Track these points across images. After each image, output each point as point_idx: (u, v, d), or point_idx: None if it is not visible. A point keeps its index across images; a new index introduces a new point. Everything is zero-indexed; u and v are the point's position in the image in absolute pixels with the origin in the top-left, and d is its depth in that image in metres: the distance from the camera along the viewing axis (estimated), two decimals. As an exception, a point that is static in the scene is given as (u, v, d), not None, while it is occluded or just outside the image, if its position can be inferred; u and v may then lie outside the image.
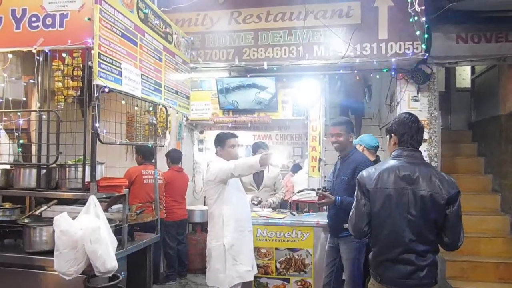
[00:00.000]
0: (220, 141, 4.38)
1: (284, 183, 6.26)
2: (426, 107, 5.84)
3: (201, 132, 7.49)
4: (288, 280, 4.62)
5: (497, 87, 6.52)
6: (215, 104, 6.52)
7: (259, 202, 5.32)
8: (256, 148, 5.70)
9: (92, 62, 3.20)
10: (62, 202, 3.64)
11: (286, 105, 6.41)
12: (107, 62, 3.36)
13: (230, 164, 4.00)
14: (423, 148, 5.75)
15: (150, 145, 4.57)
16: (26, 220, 3.46)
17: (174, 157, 6.12)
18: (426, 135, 5.75)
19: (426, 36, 5.27)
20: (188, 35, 5.60)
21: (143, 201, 5.30)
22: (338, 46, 5.53)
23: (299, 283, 4.60)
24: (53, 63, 3.47)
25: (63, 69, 3.44)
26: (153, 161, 5.07)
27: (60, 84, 3.44)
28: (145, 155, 5.74)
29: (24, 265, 3.29)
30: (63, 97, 3.44)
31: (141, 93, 3.97)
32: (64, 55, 3.45)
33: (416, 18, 5.17)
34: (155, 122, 4.65)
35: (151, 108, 4.59)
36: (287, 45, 5.69)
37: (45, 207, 3.61)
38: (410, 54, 5.35)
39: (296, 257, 4.59)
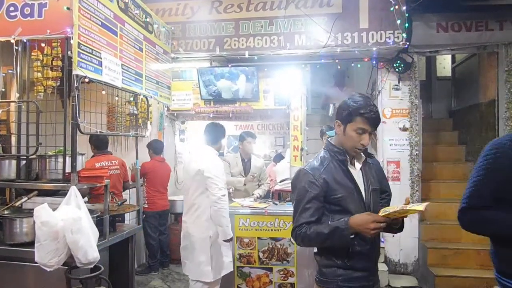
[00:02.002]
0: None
1: (267, 173, 6.29)
2: (407, 96, 5.91)
3: (183, 123, 7.45)
4: (271, 269, 4.64)
5: (477, 75, 6.62)
6: (197, 94, 6.48)
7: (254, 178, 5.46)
8: (243, 136, 5.68)
9: (71, 52, 3.18)
10: (42, 193, 3.61)
11: (268, 94, 6.40)
12: (87, 52, 3.33)
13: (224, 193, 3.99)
14: (404, 136, 5.84)
15: (131, 135, 4.55)
16: (6, 212, 3.41)
17: (155, 147, 6.08)
18: (407, 124, 5.83)
19: (406, 25, 5.32)
20: (168, 24, 5.56)
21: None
22: (319, 35, 5.55)
23: (281, 272, 4.62)
24: (32, 53, 3.43)
25: (42, 59, 3.41)
26: (108, 150, 5.15)
27: (39, 75, 3.41)
28: (97, 145, 5.18)
29: (4, 257, 3.26)
30: (42, 87, 3.42)
31: (121, 83, 3.94)
32: (43, 45, 3.41)
33: (396, 7, 5.23)
34: (136, 112, 4.63)
35: (132, 99, 4.57)
36: (268, 35, 5.69)
37: (26, 198, 3.57)
38: (391, 43, 5.40)
39: (279, 246, 4.61)
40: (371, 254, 2.36)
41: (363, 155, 2.41)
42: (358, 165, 2.39)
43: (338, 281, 2.28)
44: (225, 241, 4.01)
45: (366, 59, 5.90)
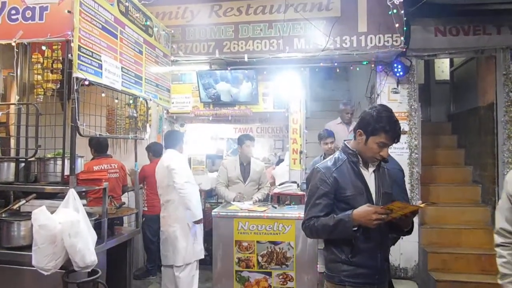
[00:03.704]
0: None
1: (268, 177, 6.26)
2: (406, 99, 5.92)
3: (182, 125, 7.44)
4: (270, 274, 4.60)
5: (475, 79, 6.61)
6: (196, 97, 6.48)
7: (242, 199, 5.34)
8: (242, 139, 5.60)
9: (72, 55, 3.18)
10: (41, 196, 3.61)
11: (267, 97, 6.40)
12: (87, 55, 3.33)
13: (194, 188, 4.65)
14: (403, 139, 5.84)
15: (130, 138, 4.56)
16: (4, 215, 3.41)
17: (155, 150, 6.05)
18: (406, 127, 5.83)
19: (405, 28, 5.33)
20: (168, 28, 5.57)
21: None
22: (318, 39, 5.56)
23: (281, 277, 4.58)
24: (33, 56, 3.42)
25: (43, 62, 3.40)
26: (108, 153, 5.27)
27: (39, 77, 3.40)
28: (97, 148, 5.29)
29: (1, 261, 3.25)
30: (42, 90, 3.40)
31: (121, 86, 3.94)
32: (43, 48, 3.41)
33: (395, 10, 5.23)
34: (135, 115, 4.62)
35: (131, 101, 4.56)
36: (268, 38, 5.69)
37: (24, 201, 3.56)
38: (390, 46, 5.40)
39: (278, 250, 4.57)
40: (376, 253, 2.45)
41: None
42: (371, 169, 2.53)
43: (341, 276, 2.42)
44: (195, 222, 4.57)
45: (365, 63, 5.90)
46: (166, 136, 5.00)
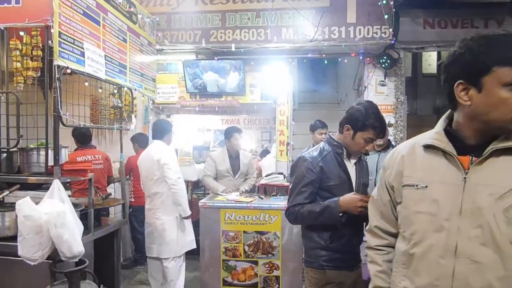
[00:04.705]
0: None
1: (254, 167, 6.24)
2: (393, 92, 5.93)
3: (168, 116, 7.36)
4: (256, 263, 4.63)
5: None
6: (182, 88, 6.41)
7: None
8: (229, 132, 5.52)
9: (52, 42, 3.08)
10: (25, 187, 3.54)
11: (254, 89, 6.35)
12: (68, 41, 3.24)
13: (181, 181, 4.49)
14: (389, 132, 5.85)
15: (115, 128, 4.49)
16: (-14, 206, 3.35)
17: (140, 140, 5.97)
18: (392, 120, 5.84)
19: (394, 20, 5.32)
20: (153, 15, 5.46)
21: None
22: (306, 29, 5.53)
23: (267, 265, 4.62)
24: (11, 42, 3.31)
25: (22, 48, 3.30)
26: (92, 144, 5.15)
27: (18, 65, 3.31)
28: (80, 138, 5.11)
29: (-14, 252, 3.19)
30: (22, 78, 3.32)
31: (105, 75, 3.87)
32: (22, 33, 3.30)
33: (384, 1, 5.21)
34: (120, 105, 4.56)
35: (116, 91, 4.49)
36: (255, 28, 5.64)
37: (7, 192, 3.49)
38: (378, 38, 5.40)
39: (264, 240, 4.60)
40: (352, 239, 2.61)
41: None
42: (353, 160, 2.68)
43: (320, 261, 2.58)
44: (184, 218, 4.52)
45: (353, 55, 5.88)
46: (154, 126, 4.81)
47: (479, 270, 1.36)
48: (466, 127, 1.48)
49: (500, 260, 1.34)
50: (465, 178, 1.42)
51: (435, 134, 1.57)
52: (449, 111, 1.59)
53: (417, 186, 1.52)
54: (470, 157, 1.45)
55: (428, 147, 1.56)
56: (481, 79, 1.36)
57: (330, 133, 2.76)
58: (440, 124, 1.60)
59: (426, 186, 1.50)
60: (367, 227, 1.84)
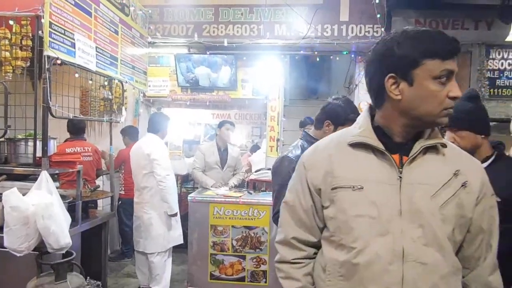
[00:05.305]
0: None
1: (244, 163, 6.25)
2: (383, 90, 5.93)
3: (159, 109, 7.32)
4: (244, 257, 4.65)
5: (451, 74, 6.69)
6: (174, 81, 6.38)
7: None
8: (222, 123, 5.53)
9: (42, 32, 3.07)
10: (12, 178, 3.51)
11: (246, 84, 6.35)
12: (59, 32, 3.23)
13: (171, 176, 4.43)
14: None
15: (105, 120, 4.47)
16: (-28, 196, 3.31)
17: (131, 133, 5.94)
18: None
19: (386, 19, 5.34)
20: (146, 8, 5.45)
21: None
22: (299, 26, 5.53)
23: (254, 260, 4.64)
24: (-1, 31, 3.29)
25: (11, 37, 3.26)
26: (83, 136, 5.11)
27: (7, 54, 3.27)
28: (71, 130, 5.06)
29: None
30: (11, 67, 3.28)
31: (95, 66, 3.85)
32: (11, 22, 3.26)
33: (377, 1, 5.22)
34: (110, 97, 4.53)
35: (106, 83, 4.47)
36: (248, 23, 5.64)
37: (-7, 182, 3.47)
38: (370, 37, 5.42)
39: (252, 235, 4.62)
40: None
41: None
42: None
43: None
44: (170, 215, 4.45)
45: (345, 53, 5.90)
46: (151, 118, 4.70)
47: (426, 272, 1.31)
48: (394, 123, 1.40)
49: (443, 258, 1.32)
50: (400, 177, 1.36)
51: (362, 131, 1.44)
52: (367, 107, 1.52)
53: (353, 187, 1.38)
54: (399, 155, 1.39)
55: (356, 145, 1.43)
56: (412, 72, 1.33)
57: (305, 130, 2.70)
58: (366, 120, 1.47)
59: (362, 187, 1.37)
60: (278, 238, 1.61)
